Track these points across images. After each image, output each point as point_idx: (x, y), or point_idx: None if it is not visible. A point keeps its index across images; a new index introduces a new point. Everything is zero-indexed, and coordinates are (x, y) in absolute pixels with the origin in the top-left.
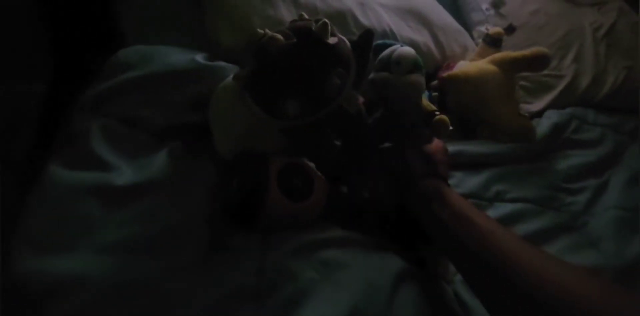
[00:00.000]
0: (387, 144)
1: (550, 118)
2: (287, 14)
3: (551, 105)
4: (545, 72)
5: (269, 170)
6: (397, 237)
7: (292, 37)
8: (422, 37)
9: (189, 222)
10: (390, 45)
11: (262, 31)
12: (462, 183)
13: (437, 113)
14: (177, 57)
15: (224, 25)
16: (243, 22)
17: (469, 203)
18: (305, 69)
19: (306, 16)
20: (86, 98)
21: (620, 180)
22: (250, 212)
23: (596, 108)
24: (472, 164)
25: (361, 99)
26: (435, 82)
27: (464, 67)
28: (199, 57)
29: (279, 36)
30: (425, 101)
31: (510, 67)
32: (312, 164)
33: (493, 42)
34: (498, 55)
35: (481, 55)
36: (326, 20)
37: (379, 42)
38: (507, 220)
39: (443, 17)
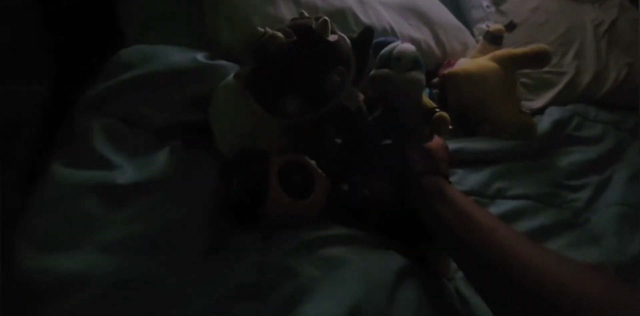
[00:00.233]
0: (387, 141)
1: (552, 115)
2: (287, 13)
3: (552, 102)
4: (547, 69)
5: (269, 168)
6: (398, 234)
7: (292, 35)
8: (423, 35)
9: (190, 221)
10: (390, 42)
11: (262, 29)
12: (463, 180)
13: (437, 110)
14: (178, 56)
15: (224, 24)
16: (243, 21)
17: (470, 201)
18: (306, 67)
19: (306, 14)
20: (87, 97)
21: (622, 176)
22: (251, 210)
23: (597, 105)
24: (473, 161)
25: (361, 97)
26: (435, 80)
27: (464, 64)
28: (200, 56)
29: (279, 34)
30: (425, 98)
31: (511, 64)
32: (312, 162)
33: (494, 39)
34: (499, 52)
35: (482, 53)
36: (326, 18)
37: (380, 39)
38: (509, 217)
39: (443, 14)
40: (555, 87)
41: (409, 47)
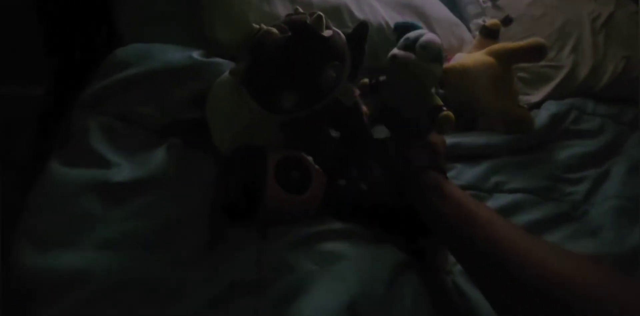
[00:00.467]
0: (384, 136)
1: (549, 109)
2: (283, 10)
3: (550, 96)
4: (544, 62)
5: (266, 164)
6: (396, 229)
7: (287, 31)
8: None
9: (188, 218)
10: (411, 25)
11: (257, 26)
12: (461, 174)
13: (444, 108)
14: (174, 54)
15: (220, 22)
16: (239, 19)
17: (468, 195)
18: (301, 62)
19: (301, 10)
20: (85, 96)
21: (621, 169)
22: (248, 205)
23: (595, 98)
24: (470, 156)
25: (357, 92)
26: None
27: (461, 59)
28: (196, 54)
29: (274, 30)
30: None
31: (508, 58)
32: (309, 157)
33: (490, 34)
34: (495, 47)
35: (478, 48)
36: (320, 13)
37: (401, 22)
38: (507, 211)
39: (439, 10)
40: (552, 81)
41: (436, 38)
